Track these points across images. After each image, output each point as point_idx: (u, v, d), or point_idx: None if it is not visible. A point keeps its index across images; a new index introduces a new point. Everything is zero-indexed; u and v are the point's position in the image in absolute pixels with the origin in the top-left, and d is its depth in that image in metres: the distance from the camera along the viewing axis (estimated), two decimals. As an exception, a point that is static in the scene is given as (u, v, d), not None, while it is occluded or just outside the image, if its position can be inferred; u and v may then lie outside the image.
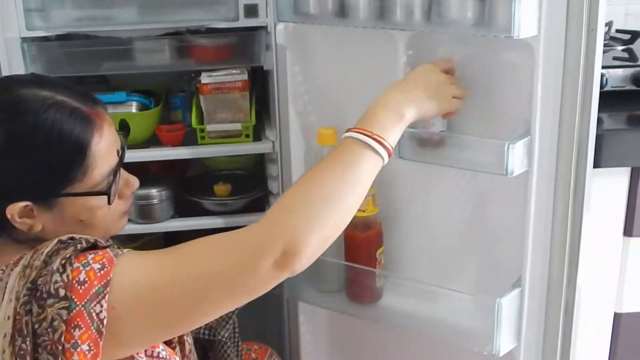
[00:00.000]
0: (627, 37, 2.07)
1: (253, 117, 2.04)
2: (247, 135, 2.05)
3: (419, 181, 1.65)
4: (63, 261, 1.13)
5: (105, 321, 1.12)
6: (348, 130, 1.33)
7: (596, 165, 1.51)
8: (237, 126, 2.04)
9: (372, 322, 1.75)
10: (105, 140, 1.24)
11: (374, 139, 1.29)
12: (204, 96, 2.02)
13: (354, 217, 1.61)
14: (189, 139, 2.07)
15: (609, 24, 2.09)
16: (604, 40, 1.83)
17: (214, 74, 2.02)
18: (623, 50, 2.02)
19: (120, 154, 1.29)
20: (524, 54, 1.39)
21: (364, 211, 1.62)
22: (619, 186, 1.71)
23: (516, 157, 1.40)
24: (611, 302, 1.80)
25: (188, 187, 2.16)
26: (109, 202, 1.26)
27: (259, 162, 2.23)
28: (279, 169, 2.01)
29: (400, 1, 1.46)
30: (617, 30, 2.13)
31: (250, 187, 2.16)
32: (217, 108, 2.03)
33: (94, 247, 1.18)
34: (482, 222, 1.61)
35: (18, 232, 1.24)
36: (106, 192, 1.25)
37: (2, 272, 1.19)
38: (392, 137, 1.33)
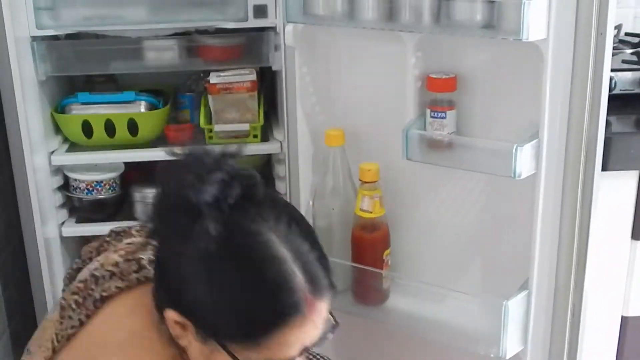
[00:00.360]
0: (636, 40, 2.06)
1: (261, 117, 2.05)
2: (255, 136, 2.05)
3: (427, 183, 1.65)
4: None
5: None
6: None
7: (604, 168, 1.51)
8: (245, 126, 2.04)
9: (378, 323, 1.75)
10: (298, 334, 1.07)
11: None
12: (212, 96, 2.03)
13: (362, 219, 1.63)
14: (197, 138, 2.07)
15: (618, 27, 2.09)
16: (613, 43, 1.83)
17: (223, 74, 2.03)
18: (632, 53, 2.01)
19: (303, 351, 1.10)
20: (532, 57, 1.39)
21: (371, 212, 1.62)
22: (627, 189, 1.71)
23: (524, 160, 1.40)
24: (618, 305, 1.80)
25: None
26: None
27: (267, 163, 2.24)
28: (286, 169, 2.01)
29: (409, 3, 1.46)
30: (626, 34, 2.13)
31: (258, 188, 2.16)
32: (225, 108, 2.04)
33: None
34: (490, 224, 1.61)
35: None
36: None
37: None
38: None
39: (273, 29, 1.97)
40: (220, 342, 1.07)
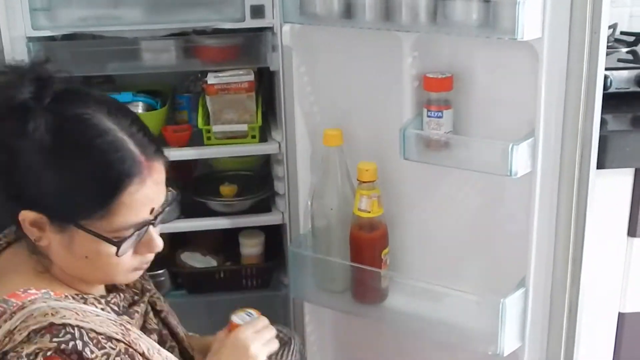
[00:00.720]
0: (631, 39, 2.08)
1: (259, 118, 2.05)
2: (253, 136, 2.05)
3: (424, 182, 1.66)
4: (38, 351, 1.09)
5: None
6: None
7: (600, 166, 1.52)
8: (244, 127, 2.05)
9: (377, 322, 1.76)
10: (142, 193, 1.17)
11: None
12: (210, 97, 2.03)
13: (360, 218, 1.63)
14: (195, 139, 2.07)
15: (613, 26, 2.10)
16: (608, 42, 1.85)
17: (220, 74, 2.03)
18: (627, 52, 2.03)
19: (155, 214, 1.21)
20: (528, 56, 1.40)
21: (369, 212, 1.63)
22: (623, 187, 1.72)
23: (520, 158, 1.41)
24: (615, 302, 1.81)
25: (194, 188, 2.17)
26: (117, 254, 1.19)
27: (265, 163, 2.24)
28: (285, 169, 2.02)
29: (406, 3, 1.47)
30: (622, 32, 2.14)
31: (256, 188, 2.17)
32: (223, 109, 2.04)
33: (77, 352, 1.11)
34: (487, 222, 1.62)
35: (29, 240, 1.21)
36: (115, 244, 1.18)
37: (2, 307, 1.16)
38: None
39: (270, 29, 1.97)
40: (76, 223, 1.16)
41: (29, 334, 1.10)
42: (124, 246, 1.18)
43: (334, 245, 1.71)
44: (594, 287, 1.60)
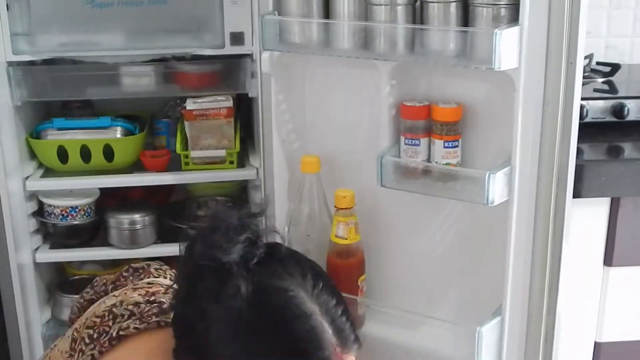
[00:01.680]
0: (607, 69, 2.10)
1: (237, 143, 2.05)
2: (231, 162, 2.05)
3: (402, 209, 1.66)
4: None
5: None
6: None
7: (576, 195, 1.53)
8: (222, 152, 2.05)
9: (353, 350, 1.75)
10: None
11: None
12: (188, 122, 2.03)
13: (337, 245, 1.63)
14: (173, 164, 2.07)
15: (589, 57, 2.12)
16: (585, 72, 1.87)
17: (199, 100, 2.03)
18: (603, 82, 2.05)
19: None
20: (504, 85, 1.41)
21: (346, 239, 1.63)
22: (599, 216, 1.73)
23: (497, 187, 1.41)
24: (591, 332, 1.81)
25: (171, 213, 2.16)
26: None
27: (243, 189, 2.24)
28: (262, 195, 2.01)
29: (384, 32, 1.48)
30: (598, 63, 2.16)
31: (234, 214, 2.16)
32: (201, 134, 2.04)
33: None
34: (464, 250, 1.62)
35: None
36: None
37: None
38: None
39: (250, 56, 1.98)
40: None
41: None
42: None
43: (311, 272, 1.71)
44: (570, 316, 1.60)
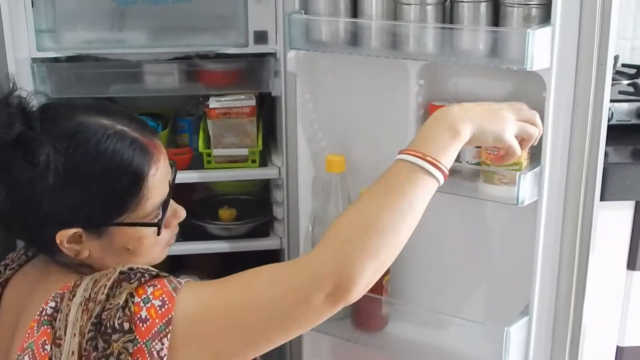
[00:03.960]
0: (632, 71, 2.09)
1: (260, 142, 2.05)
2: (254, 161, 2.05)
3: (428, 209, 1.64)
4: (127, 296, 1.13)
5: (165, 358, 1.12)
6: (401, 152, 1.26)
7: (601, 198, 1.52)
8: (244, 151, 2.04)
9: (377, 350, 1.74)
10: (160, 172, 1.25)
11: (429, 162, 1.21)
12: (211, 120, 2.03)
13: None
14: (195, 163, 2.07)
15: (615, 59, 2.11)
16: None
17: (222, 98, 2.03)
18: (629, 84, 2.04)
19: (171, 185, 1.29)
20: (535, 86, 1.41)
21: (371, 238, 1.62)
22: (623, 219, 1.72)
23: (527, 187, 1.41)
24: (614, 336, 1.81)
25: (193, 211, 2.16)
26: (158, 233, 1.27)
27: (265, 188, 2.24)
28: (284, 194, 2.01)
29: (413, 31, 1.48)
30: (623, 65, 2.16)
31: (255, 213, 2.16)
32: (224, 133, 2.04)
33: (153, 278, 1.18)
34: (491, 250, 1.62)
35: (63, 256, 1.25)
36: (157, 224, 1.26)
37: (58, 301, 1.18)
38: (447, 157, 1.23)
39: (273, 54, 1.97)
40: (113, 223, 1.22)
41: (108, 290, 1.14)
42: (162, 223, 1.27)
43: (335, 271, 1.71)
44: (592, 320, 1.59)
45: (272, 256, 2.16)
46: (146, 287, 1.15)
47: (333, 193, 1.67)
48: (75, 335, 1.13)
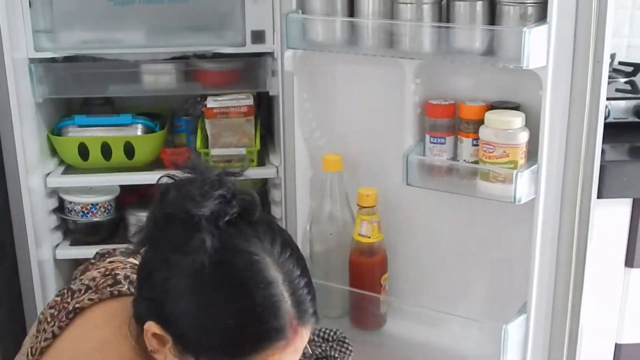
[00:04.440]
0: (629, 69, 2.09)
1: (258, 142, 2.05)
2: (252, 160, 2.05)
3: (425, 208, 1.66)
4: None
5: None
6: None
7: (599, 195, 1.53)
8: (242, 151, 2.05)
9: (376, 348, 1.74)
10: (277, 358, 1.07)
11: None
12: (209, 120, 2.03)
13: (360, 243, 1.63)
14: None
15: (611, 57, 2.11)
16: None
17: (220, 98, 2.03)
18: (626, 82, 2.04)
19: None
20: (532, 84, 1.41)
21: (369, 237, 1.63)
22: (620, 217, 1.72)
23: (524, 185, 1.42)
24: (612, 333, 1.81)
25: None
26: None
27: (263, 187, 2.24)
28: (282, 194, 2.02)
29: (410, 30, 1.48)
30: (620, 63, 2.16)
31: (253, 212, 2.16)
32: (222, 132, 2.04)
33: None
34: (489, 248, 1.62)
35: (142, 340, 1.13)
36: None
37: None
38: None
39: (270, 54, 1.98)
40: (196, 355, 1.07)
41: None
42: None
43: (333, 270, 1.71)
44: (591, 317, 1.59)
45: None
46: None
47: (331, 192, 1.68)
48: None
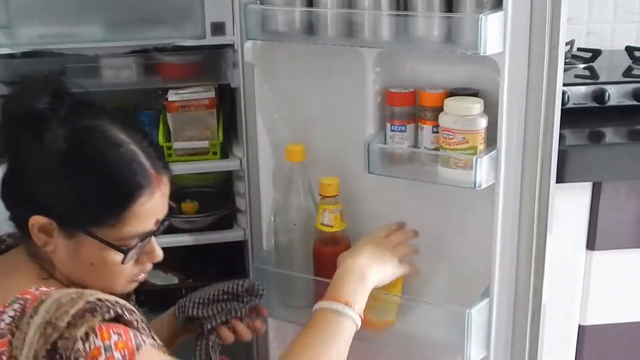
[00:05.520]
0: (588, 55, 2.12)
1: (220, 134, 2.05)
2: (215, 153, 2.05)
3: (388, 196, 1.67)
4: (88, 330, 1.12)
5: None
6: (322, 300, 1.45)
7: (559, 180, 1.54)
8: (205, 144, 2.04)
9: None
10: (150, 205, 1.23)
11: (348, 306, 1.41)
12: (171, 114, 2.03)
13: (323, 233, 1.63)
14: (156, 156, 2.06)
15: (570, 43, 2.14)
16: (566, 58, 1.88)
17: (181, 91, 2.03)
18: (584, 68, 2.07)
19: (158, 225, 1.28)
20: (490, 70, 1.42)
21: (332, 226, 1.63)
22: (581, 201, 1.75)
23: (484, 170, 1.43)
24: (575, 315, 1.83)
25: (155, 205, 2.15)
26: (122, 262, 1.24)
27: (227, 180, 2.24)
28: (246, 186, 2.01)
29: (368, 19, 1.48)
30: (579, 49, 2.18)
31: (218, 205, 2.16)
32: (184, 126, 2.04)
33: (117, 317, 1.17)
34: (451, 233, 1.63)
35: (32, 244, 1.25)
36: (124, 251, 1.24)
37: (18, 311, 1.16)
38: (361, 302, 1.44)
39: (231, 46, 1.97)
40: (85, 230, 1.21)
41: (70, 318, 1.12)
42: (130, 254, 1.24)
43: (297, 261, 1.71)
44: (554, 300, 1.61)
45: (236, 248, 2.17)
46: (111, 332, 1.14)
47: (294, 182, 1.68)
48: (28, 358, 1.11)
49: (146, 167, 1.23)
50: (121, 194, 1.21)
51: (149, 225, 1.25)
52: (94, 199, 1.21)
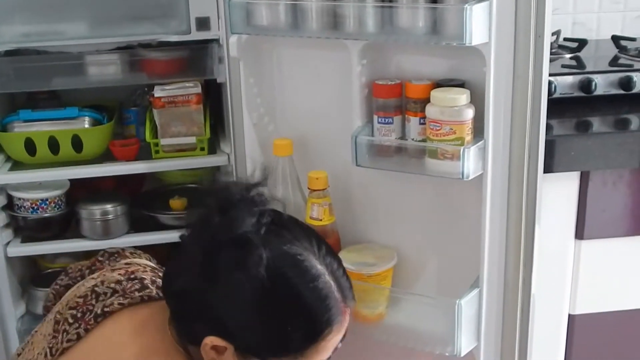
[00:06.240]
0: (574, 45, 2.12)
1: (207, 130, 2.04)
2: (202, 149, 2.04)
3: (376, 188, 1.67)
4: None
5: None
6: None
7: (547, 170, 1.55)
8: (192, 140, 2.03)
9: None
10: (335, 340, 1.19)
11: None
12: (157, 110, 2.01)
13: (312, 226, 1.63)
14: (143, 153, 2.05)
15: (557, 33, 2.14)
16: (552, 48, 1.88)
17: (167, 87, 2.01)
18: (571, 58, 2.07)
19: (332, 353, 1.22)
20: (476, 61, 1.42)
21: (320, 220, 1.63)
22: (569, 190, 1.75)
23: (471, 161, 1.43)
24: (565, 304, 1.84)
25: (143, 202, 2.14)
26: None
27: (215, 175, 2.23)
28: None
29: (353, 11, 1.48)
30: (565, 39, 2.18)
31: (206, 201, 2.15)
32: (171, 122, 2.02)
33: None
34: (440, 224, 1.63)
35: (192, 349, 1.20)
36: None
37: None
38: None
39: (216, 41, 1.96)
40: (262, 358, 1.16)
41: None
42: None
43: (287, 255, 1.71)
44: (543, 290, 1.62)
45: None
46: None
47: (282, 176, 1.68)
48: None
49: (339, 303, 1.17)
50: (311, 331, 1.16)
51: (327, 355, 1.20)
52: (283, 334, 1.14)
